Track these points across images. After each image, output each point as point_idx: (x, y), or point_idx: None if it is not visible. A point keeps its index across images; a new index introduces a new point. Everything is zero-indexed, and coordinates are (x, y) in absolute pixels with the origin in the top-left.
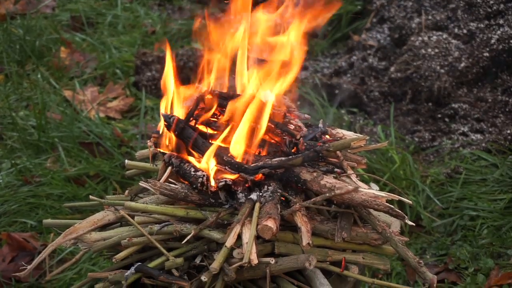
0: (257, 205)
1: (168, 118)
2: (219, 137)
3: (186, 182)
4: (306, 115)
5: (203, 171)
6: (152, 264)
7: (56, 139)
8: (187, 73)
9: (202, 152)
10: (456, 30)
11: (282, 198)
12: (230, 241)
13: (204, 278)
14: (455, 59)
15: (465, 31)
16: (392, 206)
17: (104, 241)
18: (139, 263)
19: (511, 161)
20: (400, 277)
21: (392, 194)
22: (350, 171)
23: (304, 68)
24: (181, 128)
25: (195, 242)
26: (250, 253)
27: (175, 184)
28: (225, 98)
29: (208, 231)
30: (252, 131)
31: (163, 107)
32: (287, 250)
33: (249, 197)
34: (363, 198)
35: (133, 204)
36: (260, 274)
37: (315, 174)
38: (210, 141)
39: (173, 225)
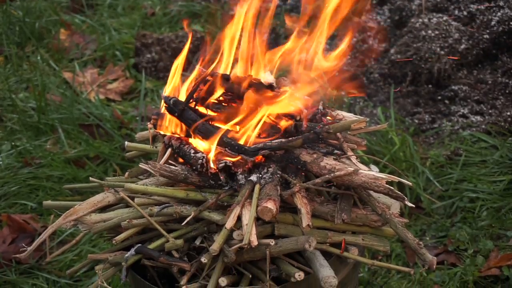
0: (257, 186)
1: (168, 100)
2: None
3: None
4: (306, 97)
5: (203, 153)
6: (152, 246)
7: (56, 121)
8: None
9: (202, 134)
10: (456, 12)
11: (282, 179)
12: (230, 222)
13: (204, 259)
14: (455, 41)
15: (465, 13)
16: (392, 188)
17: (104, 223)
18: (139, 245)
19: (511, 143)
20: (399, 258)
21: (392, 176)
22: (350, 153)
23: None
24: (181, 110)
25: (195, 224)
26: (250, 234)
27: (175, 166)
28: (226, 80)
29: (208, 212)
30: (254, 114)
31: (167, 89)
32: (287, 231)
33: (249, 178)
34: (363, 179)
35: (133, 185)
36: (260, 255)
37: (315, 155)
38: (210, 122)
39: (173, 207)
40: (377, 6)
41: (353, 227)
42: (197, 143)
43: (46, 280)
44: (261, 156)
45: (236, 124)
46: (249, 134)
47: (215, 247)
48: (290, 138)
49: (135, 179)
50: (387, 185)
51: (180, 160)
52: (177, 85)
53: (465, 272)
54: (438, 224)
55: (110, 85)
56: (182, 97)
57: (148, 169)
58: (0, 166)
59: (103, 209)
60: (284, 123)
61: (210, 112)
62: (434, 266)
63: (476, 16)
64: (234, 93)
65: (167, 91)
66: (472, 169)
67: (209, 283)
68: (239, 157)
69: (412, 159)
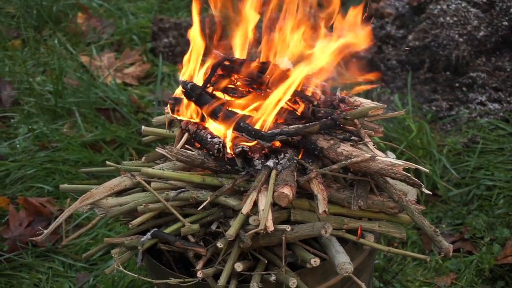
0: (274, 172)
1: (186, 84)
2: (239, 105)
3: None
4: (324, 83)
5: (219, 138)
6: (168, 230)
7: (73, 104)
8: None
9: (219, 119)
10: None
11: (299, 165)
12: (246, 208)
13: (220, 244)
14: (474, 28)
15: None
16: (408, 175)
17: (120, 207)
18: (155, 229)
19: None
20: (415, 246)
21: (409, 163)
22: (367, 139)
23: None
24: (198, 95)
25: (211, 209)
26: (266, 220)
27: (192, 151)
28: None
29: (224, 197)
30: (272, 99)
31: (183, 74)
32: (303, 217)
33: (265, 164)
34: (380, 166)
35: (149, 170)
36: (275, 241)
37: (332, 142)
38: (227, 107)
39: (189, 192)
40: None
41: (370, 213)
42: (214, 127)
43: (62, 263)
44: (278, 142)
45: (254, 109)
46: (265, 118)
47: (231, 232)
48: (307, 124)
49: (151, 164)
50: (404, 172)
51: (197, 145)
52: (193, 69)
53: (481, 260)
54: (454, 212)
55: (127, 69)
56: (199, 82)
57: (165, 153)
58: (17, 149)
59: (120, 193)
60: (301, 108)
61: (227, 97)
62: (450, 254)
63: (495, 3)
64: (251, 78)
65: (185, 75)
66: (489, 157)
67: (224, 268)
68: (256, 142)
69: (429, 146)
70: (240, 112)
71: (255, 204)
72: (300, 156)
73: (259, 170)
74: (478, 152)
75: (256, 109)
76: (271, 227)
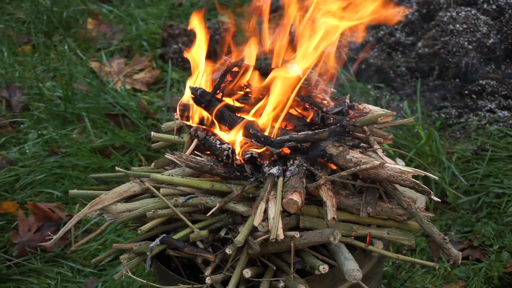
0: (281, 179)
1: (195, 91)
2: (248, 111)
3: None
4: (332, 89)
5: (228, 144)
6: (177, 236)
7: (82, 110)
8: (214, 46)
9: (228, 125)
10: (485, 5)
11: (308, 172)
12: (257, 219)
13: (228, 250)
14: (483, 35)
15: (494, 6)
16: (418, 182)
17: (129, 213)
18: (164, 235)
19: None
20: (424, 253)
21: (418, 170)
22: (376, 146)
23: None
24: (208, 101)
25: (220, 215)
26: (277, 228)
27: (201, 157)
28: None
29: (233, 204)
30: (279, 105)
31: (192, 80)
32: (312, 224)
33: (270, 172)
34: (389, 173)
35: (158, 176)
36: (284, 247)
37: (341, 148)
38: (237, 114)
39: (198, 198)
40: None
41: (378, 220)
42: (223, 134)
43: (71, 268)
44: (287, 148)
45: (258, 112)
46: (273, 123)
47: (240, 238)
48: (317, 131)
49: (161, 170)
50: (413, 179)
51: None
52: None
53: (490, 268)
54: (463, 219)
55: (137, 75)
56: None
57: (174, 159)
58: (27, 154)
59: (129, 199)
60: (310, 114)
61: (236, 104)
62: (459, 261)
63: (505, 10)
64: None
65: (193, 82)
66: (498, 164)
67: (233, 275)
68: (265, 149)
69: (438, 153)
70: (246, 117)
71: (265, 211)
72: (309, 163)
73: (267, 176)
74: (487, 160)
75: (262, 114)
76: (281, 235)
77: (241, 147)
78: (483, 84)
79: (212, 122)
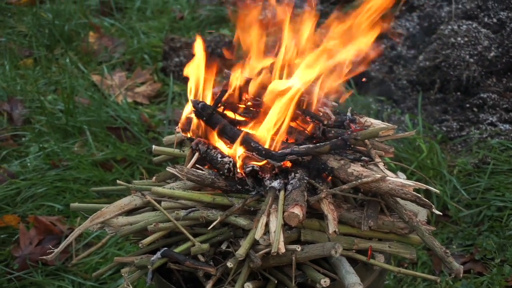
0: (282, 193)
1: (197, 104)
2: (248, 124)
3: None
4: (334, 103)
5: (230, 157)
6: (178, 250)
7: (84, 123)
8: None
9: (229, 139)
10: (486, 19)
11: (309, 185)
12: (259, 233)
13: (230, 264)
14: (484, 49)
15: (495, 20)
16: (419, 195)
17: (130, 226)
18: (165, 248)
19: None
20: (426, 266)
21: (419, 183)
22: (377, 160)
23: None
24: (209, 114)
25: (221, 228)
26: (278, 242)
27: (202, 170)
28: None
29: (234, 217)
30: (280, 118)
31: (191, 93)
32: (313, 237)
33: (271, 185)
34: (390, 186)
35: (159, 189)
36: (286, 261)
37: (342, 162)
38: (238, 127)
39: (200, 211)
40: (407, 12)
41: (380, 234)
42: (224, 147)
43: (72, 282)
44: (288, 162)
45: (259, 126)
46: (274, 137)
47: (241, 252)
48: (318, 144)
49: (162, 183)
50: (414, 193)
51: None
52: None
53: (492, 282)
54: (465, 233)
55: (138, 89)
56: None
57: (175, 173)
58: (28, 167)
59: (130, 212)
60: (310, 127)
61: (238, 117)
62: (461, 275)
63: (506, 23)
64: (261, 98)
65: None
66: (500, 178)
67: None
68: (266, 162)
69: (440, 166)
70: (245, 130)
71: (266, 224)
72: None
73: (268, 190)
74: (488, 173)
75: (263, 127)
76: (282, 249)
77: (242, 161)
78: (485, 98)
79: (212, 134)
